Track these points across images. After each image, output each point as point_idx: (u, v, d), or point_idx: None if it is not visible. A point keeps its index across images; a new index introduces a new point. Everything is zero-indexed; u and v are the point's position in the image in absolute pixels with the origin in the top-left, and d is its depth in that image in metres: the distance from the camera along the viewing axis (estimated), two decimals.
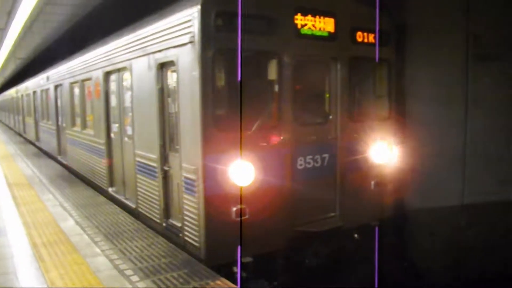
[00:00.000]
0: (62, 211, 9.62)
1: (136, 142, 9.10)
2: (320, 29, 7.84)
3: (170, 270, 6.34)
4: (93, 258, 6.80)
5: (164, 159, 8.01)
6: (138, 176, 9.01)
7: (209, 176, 6.68)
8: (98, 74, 11.22)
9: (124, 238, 7.79)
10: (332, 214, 8.38)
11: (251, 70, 7.23)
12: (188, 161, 7.04)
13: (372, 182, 8.70)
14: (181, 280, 6.02)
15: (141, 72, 8.61)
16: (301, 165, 7.80)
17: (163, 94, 7.91)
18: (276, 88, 7.51)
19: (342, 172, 8.35)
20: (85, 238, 7.78)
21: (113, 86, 10.68)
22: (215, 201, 6.73)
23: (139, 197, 9.03)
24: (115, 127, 10.70)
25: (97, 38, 12.71)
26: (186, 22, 6.82)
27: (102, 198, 10.90)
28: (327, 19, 7.90)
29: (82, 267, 6.44)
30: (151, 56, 8.07)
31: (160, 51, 7.72)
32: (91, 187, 12.37)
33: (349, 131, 8.41)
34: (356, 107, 8.79)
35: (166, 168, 7.97)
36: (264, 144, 7.27)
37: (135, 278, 6.09)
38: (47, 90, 19.11)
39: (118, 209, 9.84)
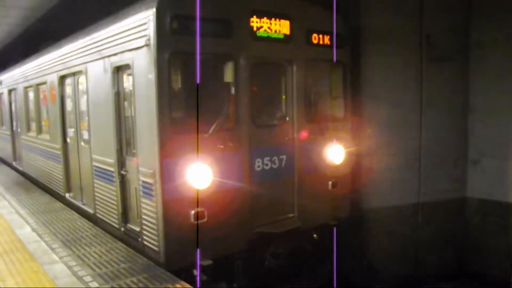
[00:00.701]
0: (18, 218, 9.50)
1: (92, 147, 8.99)
2: (275, 31, 7.90)
3: (130, 275, 6.33)
4: (51, 266, 6.72)
5: (121, 163, 7.94)
6: (96, 181, 8.90)
7: (167, 179, 6.65)
8: (53, 78, 11.03)
9: (83, 244, 7.74)
10: (291, 215, 8.46)
11: (208, 73, 7.20)
12: (145, 165, 7.00)
13: (329, 183, 8.82)
14: (141, 285, 6.02)
15: (96, 76, 8.51)
16: (258, 166, 7.86)
17: (119, 97, 7.84)
18: (233, 90, 7.54)
19: (299, 173, 8.45)
20: (42, 245, 7.68)
21: (68, 90, 10.52)
22: (173, 204, 6.71)
23: (97, 202, 8.92)
24: (71, 131, 10.54)
25: (51, 41, 12.49)
26: (141, 25, 6.79)
27: (59, 204, 10.78)
28: (282, 21, 7.97)
29: (39, 275, 6.37)
30: (106, 59, 7.99)
31: (115, 54, 7.66)
32: (48, 193, 12.13)
33: (306, 132, 8.48)
34: (313, 108, 8.88)
35: (123, 172, 7.90)
36: (221, 146, 7.27)
37: (94, 284, 6.07)
38: (0, 94, 18.63)
39: (76, 215, 9.74)
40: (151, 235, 6.98)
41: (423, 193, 10.60)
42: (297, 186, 8.43)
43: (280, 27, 7.95)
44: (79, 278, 6.24)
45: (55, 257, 7.08)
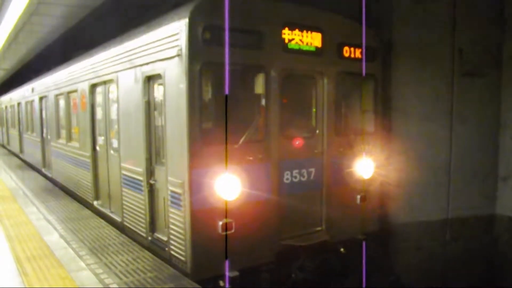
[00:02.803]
0: (46, 225, 9.49)
1: (122, 155, 9.04)
2: (307, 43, 7.87)
3: (156, 285, 6.29)
4: (77, 273, 6.70)
5: (150, 172, 7.97)
6: (124, 189, 8.94)
7: (196, 190, 6.64)
8: (84, 86, 11.16)
9: (109, 252, 7.72)
10: (318, 228, 8.39)
11: (238, 84, 7.23)
12: (174, 174, 7.00)
13: (358, 196, 8.70)
14: None
15: (127, 85, 8.58)
16: (287, 179, 7.80)
17: (150, 107, 7.88)
18: (263, 102, 7.51)
19: (328, 186, 8.38)
20: (69, 252, 7.67)
21: (99, 98, 10.62)
22: (201, 215, 6.70)
23: (125, 211, 8.95)
24: (100, 139, 10.63)
25: (83, 50, 12.66)
26: (173, 35, 6.82)
27: (87, 212, 10.79)
28: (314, 34, 7.94)
29: (66, 281, 6.35)
30: (138, 68, 8.04)
31: (147, 64, 7.71)
32: (76, 200, 12.23)
33: (335, 145, 8.44)
34: (343, 121, 8.80)
35: (152, 181, 7.92)
36: (251, 158, 7.24)
37: None
38: (31, 101, 18.95)
39: (103, 223, 9.74)
40: (179, 245, 6.97)
41: (452, 209, 10.41)
42: (325, 199, 8.35)
43: (312, 39, 7.92)
44: (106, 286, 6.22)
45: (82, 264, 7.07)
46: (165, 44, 7.06)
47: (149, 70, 7.65)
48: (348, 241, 8.65)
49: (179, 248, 6.96)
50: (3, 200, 12.20)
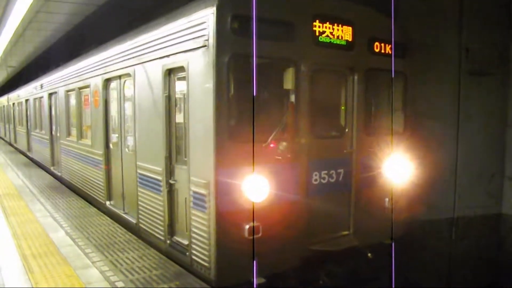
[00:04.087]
0: (52, 222, 9.45)
1: (138, 154, 8.57)
2: (338, 37, 7.39)
3: (162, 282, 6.28)
4: (83, 270, 6.67)
5: (169, 172, 7.49)
6: (140, 189, 8.47)
7: (222, 191, 6.17)
8: (97, 82, 10.70)
9: (115, 249, 7.70)
10: (346, 232, 7.92)
11: (267, 79, 6.76)
12: (198, 174, 6.52)
13: (386, 199, 8.21)
14: None
15: (145, 79, 8.12)
16: (316, 180, 7.33)
17: (170, 102, 7.41)
18: (293, 98, 7.04)
19: (357, 188, 7.90)
20: (75, 250, 7.64)
21: (113, 93, 10.16)
22: (227, 218, 6.23)
23: (141, 212, 8.48)
24: (114, 137, 10.16)
25: (95, 44, 12.21)
26: (199, 24, 6.34)
27: (93, 209, 10.75)
28: (345, 27, 7.46)
29: (72, 279, 6.32)
30: (157, 61, 7.57)
31: (167, 56, 7.24)
32: (86, 201, 11.78)
33: (365, 145, 7.96)
34: (372, 120, 8.31)
35: (171, 181, 7.45)
36: (279, 157, 6.77)
37: None
38: (40, 98, 18.51)
39: (109, 220, 9.73)
40: (202, 249, 6.50)
41: (458, 208, 10.17)
42: (353, 201, 7.89)
43: (343, 33, 7.45)
44: (112, 284, 6.19)
45: (88, 262, 7.03)
46: (189, 34, 6.59)
47: (170, 62, 7.18)
48: (375, 245, 8.13)
49: (202, 253, 6.49)
50: (9, 197, 12.13)
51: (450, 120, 10.07)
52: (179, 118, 7.31)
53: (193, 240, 6.71)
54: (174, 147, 7.43)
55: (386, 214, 8.28)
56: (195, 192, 6.59)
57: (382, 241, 8.21)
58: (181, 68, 6.87)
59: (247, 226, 6.21)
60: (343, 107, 8.03)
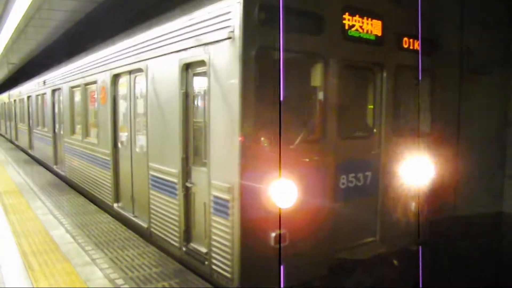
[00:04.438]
0: (52, 219, 9.44)
1: (150, 154, 8.04)
2: (367, 31, 6.90)
3: (161, 280, 6.29)
4: (83, 267, 6.68)
5: (186, 174, 6.96)
6: (152, 192, 7.96)
7: (247, 196, 5.67)
8: (105, 77, 10.17)
9: (115, 247, 7.71)
10: (372, 238, 7.42)
11: (294, 75, 6.25)
12: (220, 178, 6.01)
13: (412, 203, 7.70)
14: None
15: (159, 74, 7.60)
16: (343, 184, 6.85)
17: (188, 99, 6.89)
18: (321, 96, 6.52)
19: (384, 192, 7.40)
20: (75, 247, 7.64)
21: (122, 90, 9.63)
22: (252, 225, 5.73)
23: (153, 216, 7.96)
24: (123, 136, 9.65)
25: (100, 39, 11.67)
26: (223, 14, 5.82)
27: (93, 207, 10.75)
28: (374, 21, 6.97)
29: (72, 276, 6.34)
30: (173, 55, 7.05)
31: (185, 49, 6.71)
32: (92, 202, 11.27)
33: (393, 146, 7.45)
34: (401, 120, 7.81)
35: (188, 184, 6.93)
36: (307, 160, 6.26)
37: (126, 287, 6.05)
38: (43, 95, 17.96)
39: (110, 218, 9.68)
40: (223, 258, 5.99)
41: (458, 206, 9.80)
42: (380, 206, 7.40)
43: (372, 27, 6.96)
44: (111, 281, 6.20)
45: (88, 259, 7.04)
46: (211, 25, 6.07)
47: (189, 56, 6.66)
48: (401, 252, 7.63)
49: (224, 262, 5.98)
50: (9, 195, 12.06)
51: (451, 119, 9.75)
52: (197, 116, 6.79)
53: (213, 249, 6.20)
54: (192, 147, 6.91)
55: (412, 219, 7.80)
56: (216, 197, 6.07)
57: (408, 247, 7.74)
58: (201, 63, 6.36)
59: (273, 234, 5.71)
60: (370, 106, 7.52)
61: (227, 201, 5.84)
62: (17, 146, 27.22)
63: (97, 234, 8.40)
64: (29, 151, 22.08)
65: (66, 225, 8.96)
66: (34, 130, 20.48)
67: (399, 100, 7.72)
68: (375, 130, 7.38)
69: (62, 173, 14.99)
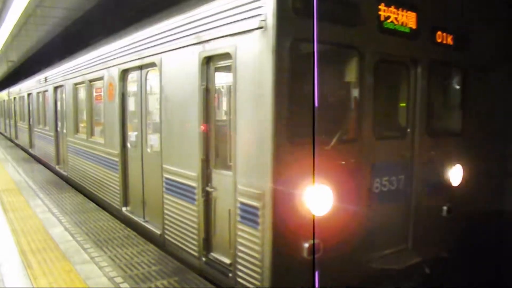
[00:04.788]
0: (51, 218, 9.45)
1: (164, 155, 7.46)
2: (402, 23, 6.35)
3: (161, 278, 6.26)
4: (82, 265, 6.67)
5: (206, 177, 6.38)
6: (167, 196, 7.38)
7: (279, 203, 5.10)
8: (112, 73, 9.58)
9: (114, 245, 7.69)
10: (403, 246, 6.86)
11: (328, 69, 5.69)
12: (248, 183, 5.43)
13: (444, 208, 7.15)
14: (171, 287, 5.96)
15: (175, 69, 7.03)
16: (377, 188, 6.30)
17: (209, 95, 6.31)
18: (356, 93, 5.95)
19: (417, 197, 6.83)
20: (74, 245, 7.64)
21: (132, 86, 9.05)
22: (284, 235, 5.17)
23: (167, 222, 7.39)
24: (133, 135, 9.06)
25: (109, 32, 11.08)
26: (253, 2, 5.24)
27: (92, 205, 10.73)
28: (409, 13, 6.43)
29: (71, 274, 6.33)
30: (192, 48, 6.48)
31: (207, 41, 6.14)
32: (98, 204, 10.69)
33: (426, 148, 6.91)
34: (434, 120, 7.25)
35: (209, 189, 6.36)
36: (343, 162, 5.69)
37: (125, 285, 6.01)
38: (44, 92, 17.34)
39: (108, 216, 9.62)
40: (251, 271, 5.43)
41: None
42: (413, 212, 6.83)
43: (407, 19, 6.40)
44: (110, 279, 6.18)
45: (87, 257, 7.03)
46: (238, 14, 5.49)
47: (210, 49, 6.09)
48: (432, 260, 7.05)
49: (252, 276, 5.41)
50: (8, 193, 12.07)
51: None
52: (220, 114, 6.22)
53: (239, 260, 5.63)
54: (213, 148, 6.33)
55: (444, 225, 7.27)
56: (243, 204, 5.50)
57: (439, 255, 7.16)
58: (225, 56, 5.78)
59: (306, 245, 5.19)
60: (403, 104, 6.96)
61: (256, 208, 5.26)
62: (17, 145, 26.62)
63: (95, 232, 8.38)
64: (30, 150, 21.47)
65: (65, 223, 8.94)
66: (35, 129, 19.86)
67: (433, 98, 7.15)
68: (408, 130, 6.79)
69: (65, 174, 14.40)
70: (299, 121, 5.29)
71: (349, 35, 5.77)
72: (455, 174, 7.40)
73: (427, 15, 6.70)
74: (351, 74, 5.97)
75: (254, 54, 5.22)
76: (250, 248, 5.42)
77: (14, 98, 26.57)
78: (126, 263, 6.79)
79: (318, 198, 5.25)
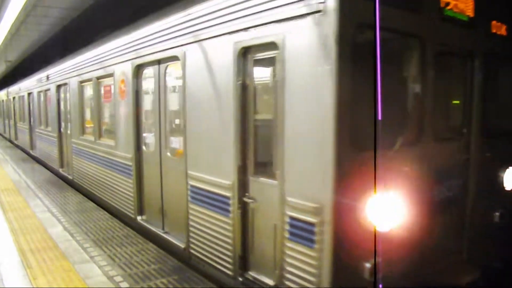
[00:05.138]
0: (50, 217, 9.42)
1: (190, 160, 6.64)
2: (461, 11, 5.61)
3: (160, 277, 6.23)
4: (81, 265, 6.64)
5: (243, 186, 5.58)
6: (192, 206, 6.58)
7: (342, 218, 4.32)
8: (125, 69, 8.77)
9: (113, 244, 7.66)
10: (459, 258, 6.14)
11: (391, 62, 4.89)
12: (301, 194, 4.63)
13: (497, 214, 6.43)
14: (170, 286, 5.93)
15: (203, 62, 6.22)
16: (438, 195, 5.58)
17: (247, 92, 5.51)
18: (417, 88, 5.18)
19: (472, 203, 6.11)
20: (73, 244, 7.61)
21: (148, 83, 8.25)
22: (345, 254, 4.42)
23: (193, 235, 6.59)
24: (149, 137, 8.26)
25: (118, 25, 10.25)
26: None
27: (91, 204, 10.68)
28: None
29: (70, 273, 6.30)
30: (225, 38, 5.68)
31: (245, 29, 5.33)
32: (108, 211, 9.89)
33: (482, 149, 6.20)
34: (491, 119, 6.48)
35: (247, 200, 5.55)
36: (406, 169, 4.92)
37: (124, 284, 5.97)
38: (46, 91, 16.50)
39: (107, 215, 9.57)
40: None
41: None
42: (468, 220, 6.11)
43: (466, 6, 5.68)
44: (110, 278, 6.14)
45: (86, 257, 7.00)
46: None
47: (249, 38, 5.29)
48: (487, 271, 6.28)
49: None
50: (7, 193, 12.05)
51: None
52: (261, 113, 5.43)
53: (287, 282, 4.86)
54: (252, 153, 5.52)
55: (496, 232, 6.54)
56: (294, 219, 4.70)
57: (491, 265, 6.40)
58: (269, 46, 4.98)
59: (368, 265, 4.45)
60: (458, 102, 6.22)
61: (312, 224, 4.48)
62: (17, 146, 25.78)
63: (95, 231, 8.37)
64: (31, 151, 20.62)
65: (64, 223, 8.94)
66: (36, 130, 19.01)
67: (488, 95, 6.40)
68: (465, 130, 6.03)
69: (70, 177, 13.55)
70: (363, 121, 4.50)
71: (411, 22, 5.03)
72: (509, 177, 6.69)
73: (483, 3, 5.96)
74: (412, 67, 5.21)
75: (310, 43, 4.43)
76: (302, 269, 4.64)
77: (14, 98, 25.72)
78: (126, 262, 6.78)
79: (382, 211, 4.48)
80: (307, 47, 4.44)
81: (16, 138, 26.05)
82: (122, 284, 5.95)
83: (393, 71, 5.18)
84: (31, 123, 20.17)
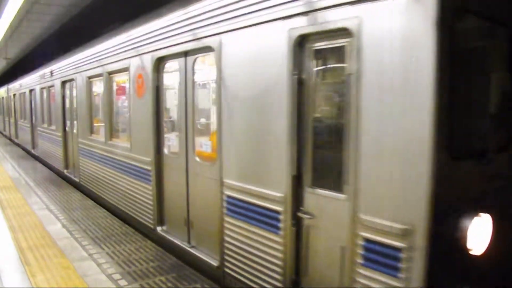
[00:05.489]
0: (49, 214, 9.40)
1: (226, 166, 5.79)
2: None
3: (159, 274, 6.21)
4: (80, 262, 6.61)
5: (297, 199, 4.74)
6: (229, 220, 5.74)
7: (437, 243, 3.49)
8: (143, 62, 7.92)
9: (112, 241, 7.64)
10: None
11: (483, 54, 4.10)
12: (381, 213, 3.79)
13: None
14: (169, 284, 5.90)
15: (245, 53, 5.36)
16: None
17: (305, 88, 4.65)
18: (507, 87, 4.41)
19: None
20: (72, 242, 7.58)
21: (172, 78, 7.43)
22: (438, 284, 3.60)
23: (229, 253, 5.75)
24: (172, 139, 7.42)
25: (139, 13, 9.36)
26: None
27: (90, 202, 10.63)
28: None
29: (69, 271, 6.28)
30: (275, 24, 4.83)
31: (304, 13, 4.47)
32: (121, 219, 9.08)
33: None
34: None
35: (302, 215, 4.71)
36: (500, 181, 4.13)
37: (123, 282, 5.94)
38: (49, 87, 15.62)
39: (106, 213, 9.52)
40: None
41: None
42: None
43: None
44: (108, 276, 6.13)
45: (85, 254, 6.99)
46: None
47: (307, 24, 4.44)
48: None
49: None
50: (6, 190, 11.97)
51: None
52: (321, 112, 4.60)
53: None
54: (310, 160, 4.68)
55: None
56: (372, 242, 3.87)
57: None
58: (337, 32, 4.13)
59: None
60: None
61: (398, 250, 3.64)
62: (17, 144, 24.93)
63: (93, 229, 8.36)
64: (32, 150, 19.76)
65: (62, 220, 8.93)
66: (39, 128, 18.13)
67: None
68: None
69: (76, 180, 12.69)
70: (463, 125, 3.68)
71: (502, 9, 4.20)
72: None
73: None
74: (500, 60, 4.39)
75: (397, 30, 3.59)
76: None
77: (14, 95, 24.85)
78: (124, 259, 6.78)
79: (480, 232, 3.67)
80: (395, 34, 3.60)
81: (17, 137, 25.22)
82: (120, 282, 5.95)
83: (487, 66, 4.37)
84: (33, 121, 19.31)
